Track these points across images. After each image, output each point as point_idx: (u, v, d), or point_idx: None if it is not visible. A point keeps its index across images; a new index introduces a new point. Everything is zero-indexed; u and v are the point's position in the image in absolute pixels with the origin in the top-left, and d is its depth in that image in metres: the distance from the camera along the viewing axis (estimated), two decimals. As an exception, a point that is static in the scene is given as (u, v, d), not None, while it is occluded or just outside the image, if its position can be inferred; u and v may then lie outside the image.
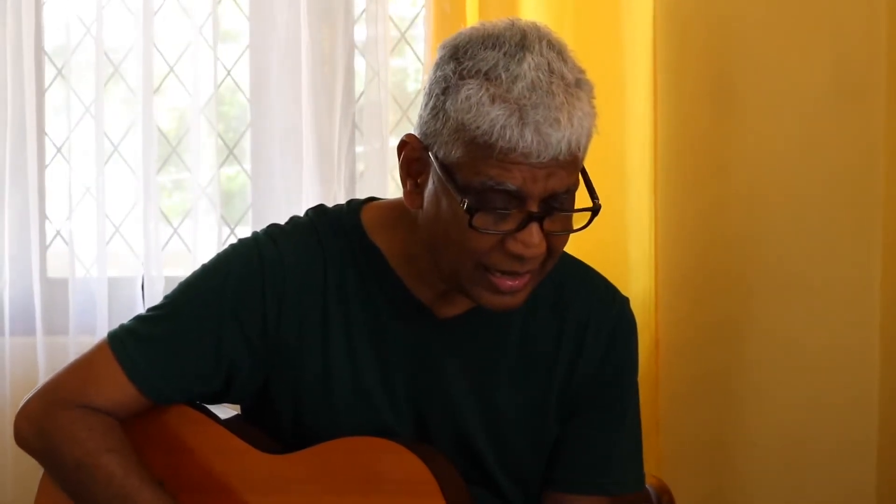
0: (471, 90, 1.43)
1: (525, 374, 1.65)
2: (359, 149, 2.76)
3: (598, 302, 1.67)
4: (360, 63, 2.78)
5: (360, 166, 2.78)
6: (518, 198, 1.44)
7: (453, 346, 1.62)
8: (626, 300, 1.70)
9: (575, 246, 1.57)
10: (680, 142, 2.67)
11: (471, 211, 1.44)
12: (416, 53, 2.87)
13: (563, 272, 1.63)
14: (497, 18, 2.48)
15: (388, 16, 2.69)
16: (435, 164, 1.47)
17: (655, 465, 2.57)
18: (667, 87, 2.64)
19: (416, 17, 2.84)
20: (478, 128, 1.42)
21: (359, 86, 2.78)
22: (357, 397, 1.61)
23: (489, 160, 1.42)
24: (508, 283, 1.49)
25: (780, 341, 2.70)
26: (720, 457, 2.73)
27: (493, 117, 1.41)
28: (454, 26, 2.61)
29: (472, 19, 2.62)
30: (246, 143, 2.84)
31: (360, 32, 2.78)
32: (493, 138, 1.41)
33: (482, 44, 1.45)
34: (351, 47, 2.75)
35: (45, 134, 2.81)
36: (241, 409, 1.70)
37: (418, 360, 1.62)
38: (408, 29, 2.84)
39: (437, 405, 1.63)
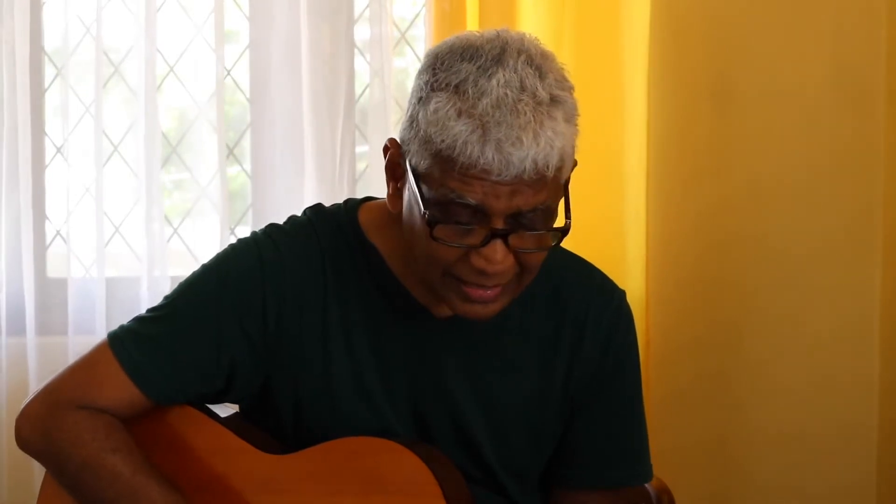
0: (439, 103, 1.43)
1: (524, 371, 1.65)
2: (360, 149, 2.77)
3: (596, 295, 1.67)
4: (360, 63, 2.78)
5: (360, 166, 2.79)
6: (481, 213, 1.44)
7: (451, 344, 1.63)
8: (623, 293, 1.70)
9: (573, 246, 1.57)
10: (676, 143, 2.67)
11: (431, 223, 1.44)
12: (416, 53, 2.87)
13: (560, 267, 1.63)
14: (501, 19, 2.51)
15: (390, 16, 2.69)
16: (408, 171, 1.48)
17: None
18: (664, 88, 2.64)
19: (416, 17, 2.84)
20: (442, 141, 1.42)
21: (359, 86, 2.78)
22: (357, 396, 1.61)
23: (451, 173, 1.42)
24: (479, 292, 1.49)
25: (774, 341, 2.71)
26: (714, 456, 2.73)
27: (456, 132, 1.41)
28: (454, 26, 2.61)
29: (472, 19, 2.62)
30: (246, 143, 2.84)
31: (360, 32, 2.78)
32: (455, 153, 1.41)
33: (460, 55, 1.45)
34: (352, 47, 2.75)
35: (45, 134, 2.81)
36: (241, 409, 1.70)
37: (417, 358, 1.62)
38: (408, 29, 2.84)
39: (436, 403, 1.63)
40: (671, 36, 2.65)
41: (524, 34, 1.48)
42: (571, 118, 1.45)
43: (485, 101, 1.41)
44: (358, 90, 2.78)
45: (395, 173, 1.53)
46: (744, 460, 2.72)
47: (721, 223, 2.69)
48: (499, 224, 1.44)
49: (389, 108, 2.69)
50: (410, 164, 1.47)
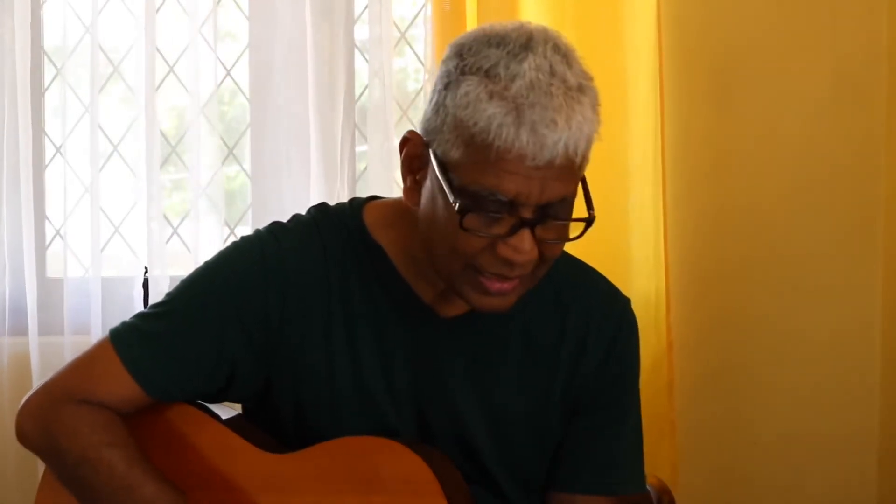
0: (470, 86, 1.42)
1: (527, 375, 1.65)
2: (360, 149, 2.76)
3: (600, 303, 1.67)
4: (360, 63, 2.78)
5: (360, 166, 2.78)
6: (512, 204, 1.43)
7: (455, 345, 1.62)
8: (627, 301, 1.70)
9: (577, 245, 1.56)
10: (684, 142, 2.67)
11: (462, 212, 1.43)
12: (416, 53, 2.86)
13: (565, 272, 1.63)
14: (501, 19, 2.51)
15: (390, 16, 2.69)
16: (433, 160, 1.47)
17: (671, 466, 2.58)
18: (666, 88, 2.64)
19: (416, 17, 2.84)
20: (475, 124, 1.41)
21: (359, 86, 2.77)
22: (359, 396, 1.61)
23: (485, 165, 1.41)
24: (497, 284, 1.49)
25: (776, 343, 2.71)
26: (714, 457, 2.73)
27: (490, 114, 1.40)
28: (454, 26, 2.61)
29: (471, 19, 2.62)
30: (246, 143, 2.84)
31: (360, 32, 2.78)
32: (490, 137, 1.40)
33: (487, 42, 1.45)
34: (352, 47, 2.75)
35: (45, 134, 2.80)
36: (243, 408, 1.70)
37: (420, 359, 1.62)
38: (408, 29, 2.84)
39: (438, 404, 1.63)
40: (674, 37, 2.65)
41: (545, 27, 1.48)
42: (595, 107, 1.45)
43: (518, 83, 1.40)
44: (358, 90, 2.78)
45: (412, 166, 1.52)
46: (745, 461, 2.72)
47: (728, 222, 2.69)
48: (528, 214, 1.44)
49: (389, 108, 2.69)
50: (436, 154, 1.46)
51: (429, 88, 2.60)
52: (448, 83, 1.45)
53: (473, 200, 1.43)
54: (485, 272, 1.48)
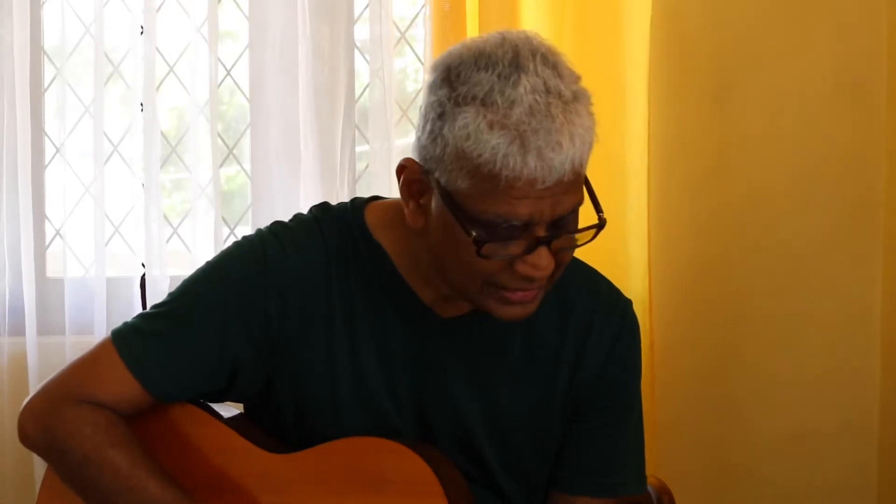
0: (468, 118, 1.41)
1: (528, 376, 1.65)
2: (360, 149, 2.76)
3: (602, 304, 1.68)
4: (360, 63, 2.78)
5: (360, 166, 2.78)
6: (526, 226, 1.44)
7: (456, 346, 1.62)
8: (629, 302, 1.70)
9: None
10: (677, 143, 2.67)
11: (479, 243, 1.43)
12: (416, 53, 2.86)
13: (567, 274, 1.63)
14: (501, 19, 2.50)
15: (390, 16, 2.69)
16: (438, 190, 1.46)
17: (654, 466, 2.58)
18: (665, 88, 2.64)
19: (416, 16, 2.83)
20: (479, 156, 1.40)
21: (359, 86, 2.77)
22: (360, 396, 1.61)
23: (495, 194, 1.41)
24: (519, 294, 1.50)
25: (775, 341, 2.70)
26: (714, 456, 2.73)
27: (493, 145, 1.40)
28: (454, 26, 2.61)
29: (472, 19, 2.62)
30: (245, 143, 2.84)
31: (360, 32, 2.77)
32: (497, 167, 1.40)
33: (474, 65, 1.43)
34: (351, 47, 2.75)
35: (45, 134, 2.80)
36: (245, 408, 1.70)
37: (421, 359, 1.62)
38: (408, 29, 2.84)
39: (439, 405, 1.63)
40: (672, 36, 2.64)
41: (525, 32, 1.47)
42: (589, 107, 1.45)
43: (517, 110, 1.39)
44: (358, 90, 2.78)
45: (412, 191, 1.51)
46: (745, 460, 2.72)
47: (722, 225, 2.69)
48: (542, 232, 1.44)
49: (389, 109, 2.69)
50: (440, 183, 1.45)
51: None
52: (442, 113, 1.43)
53: (487, 229, 1.43)
54: (506, 287, 1.48)
